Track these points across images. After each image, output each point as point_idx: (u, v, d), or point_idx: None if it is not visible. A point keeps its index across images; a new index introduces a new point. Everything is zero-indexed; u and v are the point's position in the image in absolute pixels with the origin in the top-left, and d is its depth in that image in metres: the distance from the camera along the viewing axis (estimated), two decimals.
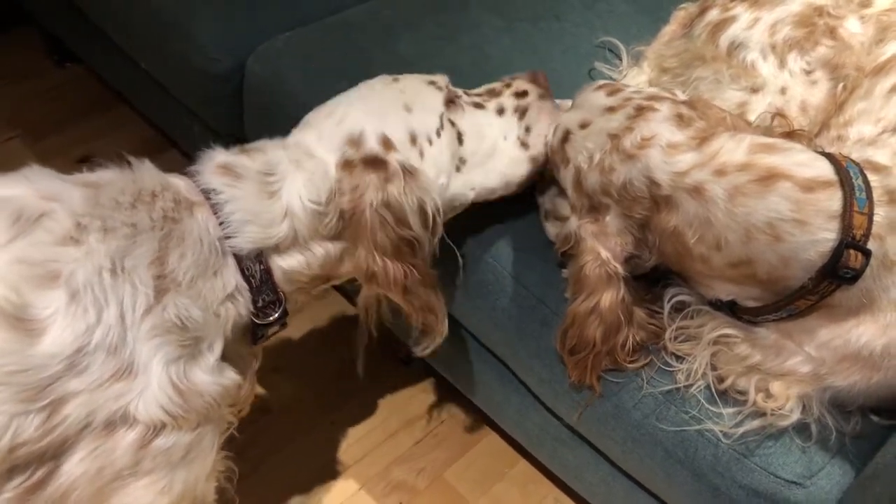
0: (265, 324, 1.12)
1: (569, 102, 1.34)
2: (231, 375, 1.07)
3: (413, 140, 1.17)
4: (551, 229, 1.33)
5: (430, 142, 1.19)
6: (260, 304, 1.10)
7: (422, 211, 1.14)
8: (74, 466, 0.93)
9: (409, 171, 1.14)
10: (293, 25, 1.76)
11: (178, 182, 1.06)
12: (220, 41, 1.73)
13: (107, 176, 1.03)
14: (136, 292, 0.95)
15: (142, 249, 0.97)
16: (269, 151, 1.13)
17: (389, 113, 1.18)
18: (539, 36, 1.74)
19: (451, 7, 1.79)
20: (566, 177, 1.22)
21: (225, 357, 1.08)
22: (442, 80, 1.25)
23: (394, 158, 1.13)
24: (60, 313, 0.90)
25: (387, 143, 1.14)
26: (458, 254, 1.29)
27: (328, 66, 1.63)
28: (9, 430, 0.87)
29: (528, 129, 1.29)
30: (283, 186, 1.09)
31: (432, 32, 1.70)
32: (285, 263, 1.11)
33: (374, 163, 1.12)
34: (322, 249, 1.13)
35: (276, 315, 1.12)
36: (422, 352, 1.24)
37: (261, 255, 1.08)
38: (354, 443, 1.81)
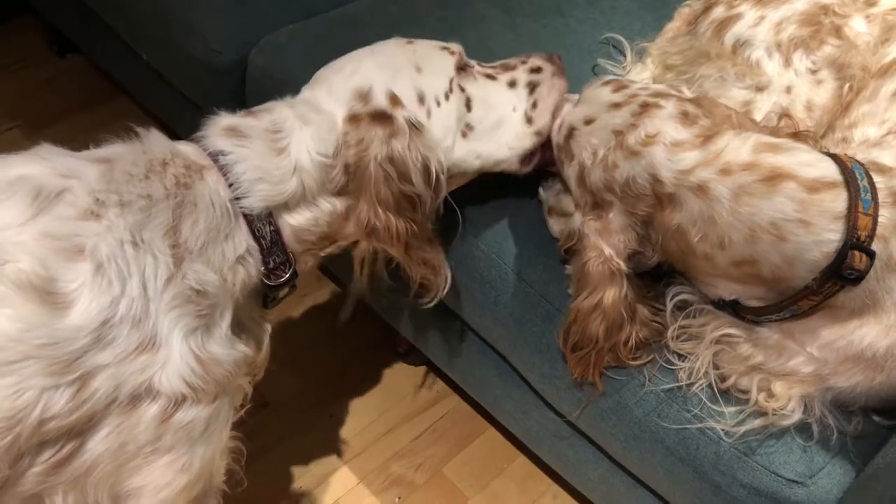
0: (276, 286, 1.13)
1: (576, 97, 1.34)
2: (241, 348, 1.09)
3: (421, 99, 1.18)
4: (554, 225, 1.33)
5: (438, 103, 1.20)
6: (270, 265, 1.11)
7: (425, 168, 1.15)
8: (99, 443, 0.95)
9: (415, 128, 1.15)
10: (296, 19, 1.75)
11: (186, 148, 1.07)
12: (223, 34, 1.72)
13: (117, 150, 1.04)
14: (157, 263, 0.97)
15: (157, 221, 0.98)
16: (276, 110, 1.14)
17: (399, 71, 1.19)
18: (543, 31, 1.73)
19: (455, 2, 1.78)
20: (570, 173, 1.22)
21: (238, 323, 1.10)
22: (455, 47, 1.26)
23: (401, 115, 1.15)
24: (87, 286, 0.91)
25: (395, 100, 1.16)
26: (460, 215, 1.30)
27: (331, 59, 1.62)
28: (39, 403, 0.88)
29: (534, 105, 1.30)
30: (290, 142, 1.10)
31: (435, 27, 1.69)
32: (294, 221, 1.12)
33: (381, 118, 1.14)
34: (329, 205, 1.14)
35: (286, 277, 1.13)
36: (424, 305, 1.25)
37: (271, 216, 1.09)
38: (353, 437, 1.82)
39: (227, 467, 1.16)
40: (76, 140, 1.06)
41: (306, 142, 1.10)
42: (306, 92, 1.21)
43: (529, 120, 1.29)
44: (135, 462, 0.98)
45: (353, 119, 1.14)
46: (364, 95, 1.15)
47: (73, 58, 2.59)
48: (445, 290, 1.24)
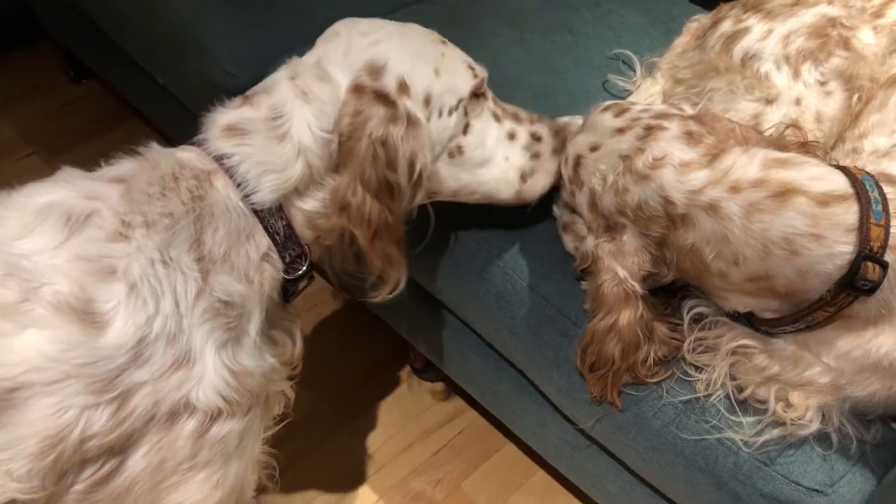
0: (294, 279, 1.13)
1: (579, 119, 1.34)
2: (269, 359, 1.10)
3: (427, 102, 1.15)
4: (569, 242, 1.34)
5: (440, 114, 1.17)
6: (287, 259, 1.11)
7: (412, 163, 1.12)
8: (138, 461, 0.96)
9: (412, 122, 1.12)
10: (309, 41, 1.74)
11: (189, 155, 1.06)
12: (236, 56, 1.75)
13: (128, 168, 1.04)
14: (186, 279, 0.98)
15: (181, 237, 0.99)
16: (275, 90, 1.10)
17: (420, 64, 1.15)
18: (552, 48, 1.75)
19: (465, 20, 1.80)
20: (581, 200, 1.24)
21: (269, 322, 1.11)
22: (481, 71, 1.24)
23: (403, 104, 1.12)
24: (122, 306, 0.93)
25: (403, 87, 1.12)
26: (432, 219, 1.27)
27: None
28: (80, 422, 0.90)
29: (532, 171, 1.30)
30: (291, 126, 1.08)
31: None
32: (307, 206, 1.11)
33: (385, 99, 1.11)
34: (335, 183, 1.12)
35: (304, 269, 1.13)
36: (372, 298, 1.22)
37: (282, 210, 1.08)
38: (372, 454, 1.83)
39: (257, 482, 1.18)
40: (94, 164, 1.06)
41: (308, 119, 1.08)
42: (321, 47, 1.18)
43: (523, 178, 1.29)
44: (173, 479, 0.99)
45: (357, 89, 1.10)
46: (376, 70, 1.12)
47: (90, 83, 2.63)
48: (395, 293, 1.20)
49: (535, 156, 1.30)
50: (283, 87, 1.11)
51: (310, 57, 1.17)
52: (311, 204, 1.11)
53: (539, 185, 1.31)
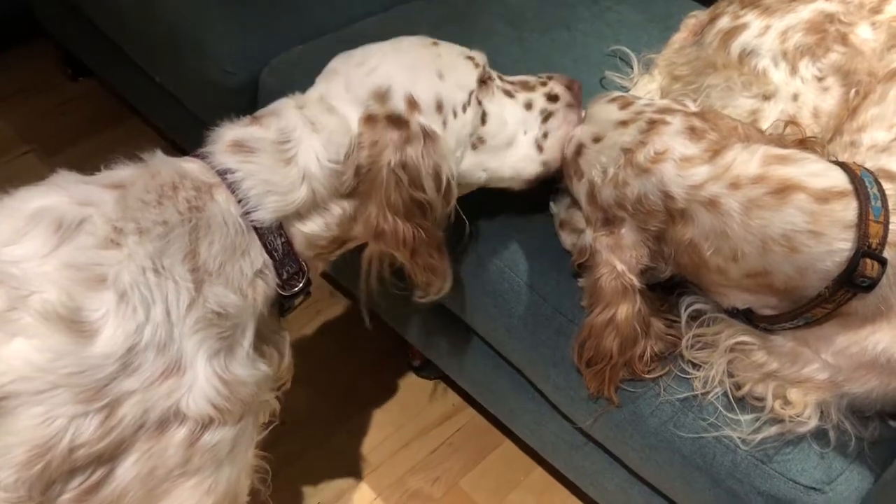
0: (291, 295, 1.13)
1: (581, 112, 1.34)
2: (262, 367, 1.09)
3: (439, 107, 1.16)
4: (566, 239, 1.34)
5: (455, 114, 1.18)
6: (284, 276, 1.10)
7: (437, 175, 1.13)
8: (128, 469, 0.95)
9: (429, 136, 1.13)
10: (307, 38, 1.77)
11: (192, 167, 1.06)
12: (234, 55, 1.74)
13: (126, 174, 1.04)
14: (178, 288, 0.97)
15: (175, 246, 0.99)
16: (284, 115, 1.11)
17: (421, 74, 1.16)
18: (550, 45, 1.74)
19: (463, 18, 1.80)
20: (580, 190, 1.23)
21: (259, 335, 1.10)
22: (480, 57, 1.24)
23: (416, 120, 1.13)
24: (111, 314, 0.92)
25: (412, 104, 1.13)
26: (468, 224, 1.28)
27: None
28: (68, 431, 0.89)
29: (545, 135, 1.29)
30: (298, 152, 1.08)
31: None
32: (307, 228, 1.11)
33: (397, 121, 1.11)
34: (339, 209, 1.13)
35: (301, 285, 1.13)
36: (419, 300, 1.23)
37: (281, 228, 1.08)
38: (369, 452, 1.82)
39: (251, 486, 1.17)
40: (92, 162, 1.06)
41: (315, 149, 1.09)
42: (321, 85, 1.18)
43: (540, 148, 1.29)
44: (164, 486, 0.98)
45: (369, 119, 1.11)
46: (382, 95, 1.13)
47: (87, 81, 2.62)
48: (444, 292, 1.22)
49: (547, 117, 1.29)
50: (291, 114, 1.11)
51: (313, 92, 1.17)
52: (311, 227, 1.12)
53: (555, 146, 1.29)
